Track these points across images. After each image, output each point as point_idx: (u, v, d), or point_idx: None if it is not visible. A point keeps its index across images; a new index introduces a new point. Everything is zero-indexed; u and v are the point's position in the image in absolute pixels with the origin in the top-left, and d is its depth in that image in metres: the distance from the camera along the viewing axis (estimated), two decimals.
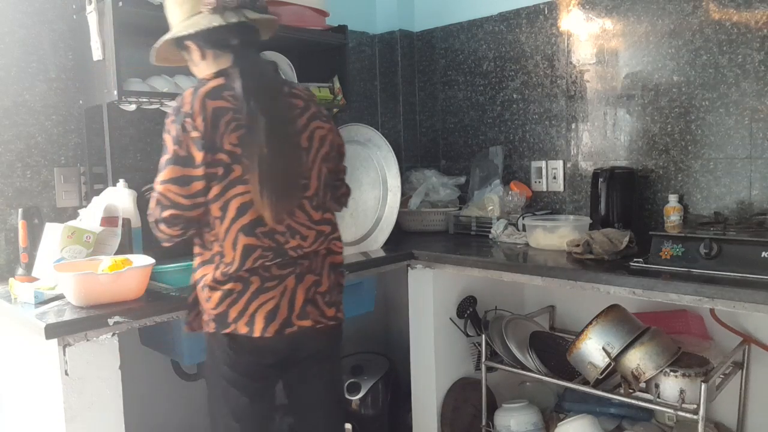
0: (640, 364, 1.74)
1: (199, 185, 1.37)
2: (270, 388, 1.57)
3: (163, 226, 1.41)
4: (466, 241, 2.40)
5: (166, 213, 1.38)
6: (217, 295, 1.41)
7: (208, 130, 1.35)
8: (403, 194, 2.38)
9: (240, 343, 1.44)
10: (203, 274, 1.44)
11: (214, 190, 1.38)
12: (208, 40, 1.47)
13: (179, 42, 1.51)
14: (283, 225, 1.43)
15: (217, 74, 1.44)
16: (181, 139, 1.36)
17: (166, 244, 1.46)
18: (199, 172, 1.36)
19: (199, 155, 1.35)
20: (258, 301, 1.41)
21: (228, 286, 1.40)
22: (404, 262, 2.18)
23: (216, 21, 1.42)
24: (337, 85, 2.37)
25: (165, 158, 1.38)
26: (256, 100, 1.39)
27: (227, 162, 1.37)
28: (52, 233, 1.69)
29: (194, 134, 1.35)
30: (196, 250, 1.48)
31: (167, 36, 1.51)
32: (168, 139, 1.38)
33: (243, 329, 1.41)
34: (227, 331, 1.42)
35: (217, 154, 1.36)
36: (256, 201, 1.38)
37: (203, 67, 1.50)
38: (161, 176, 1.38)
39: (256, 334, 1.40)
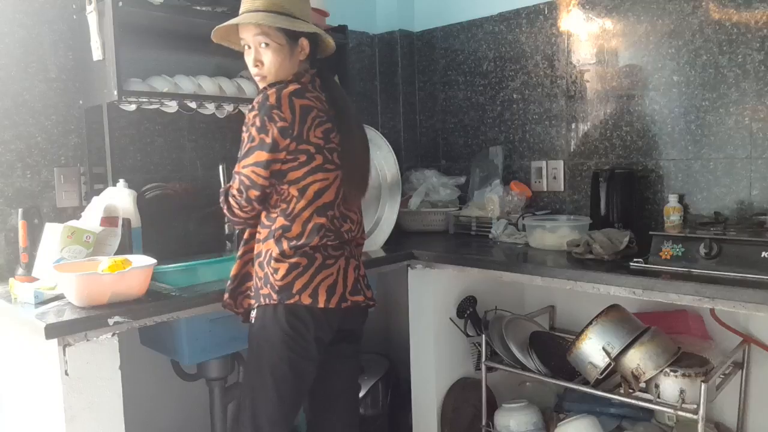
0: (640, 364, 1.74)
1: (277, 167, 1.51)
2: (314, 371, 1.61)
3: (245, 208, 1.56)
4: (466, 241, 2.40)
5: (252, 193, 1.52)
6: (284, 266, 1.52)
7: (296, 122, 1.50)
8: (403, 194, 2.38)
9: (299, 316, 1.53)
10: (266, 249, 1.55)
11: (295, 174, 1.52)
12: (316, 45, 1.66)
13: (296, 35, 1.58)
14: (341, 210, 1.61)
15: (295, 78, 1.57)
16: (268, 128, 1.49)
17: (239, 227, 1.67)
18: (281, 156, 1.50)
19: (283, 142, 1.49)
20: (321, 275, 1.54)
21: (295, 260, 1.52)
22: (404, 262, 2.18)
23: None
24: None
25: (250, 146, 1.51)
26: (342, 105, 1.62)
27: (312, 152, 1.53)
28: (52, 233, 1.69)
29: (281, 124, 1.49)
30: (259, 232, 1.60)
31: (304, 28, 1.59)
32: (253, 131, 1.51)
33: (307, 300, 1.52)
34: (291, 301, 1.52)
35: (301, 144, 1.51)
36: (336, 188, 1.58)
37: (290, 64, 1.59)
38: (248, 161, 1.51)
39: (320, 305, 1.53)
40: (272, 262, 1.53)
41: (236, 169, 1.55)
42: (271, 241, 1.54)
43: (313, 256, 1.54)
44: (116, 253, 1.74)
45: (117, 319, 1.44)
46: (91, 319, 1.42)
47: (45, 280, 1.63)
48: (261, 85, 1.60)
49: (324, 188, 1.56)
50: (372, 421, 2.43)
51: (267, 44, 1.56)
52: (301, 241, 1.53)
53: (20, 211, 1.82)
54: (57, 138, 1.97)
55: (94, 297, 1.48)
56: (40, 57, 1.93)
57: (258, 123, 1.51)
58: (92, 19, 1.81)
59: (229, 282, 1.63)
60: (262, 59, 1.57)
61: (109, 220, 1.78)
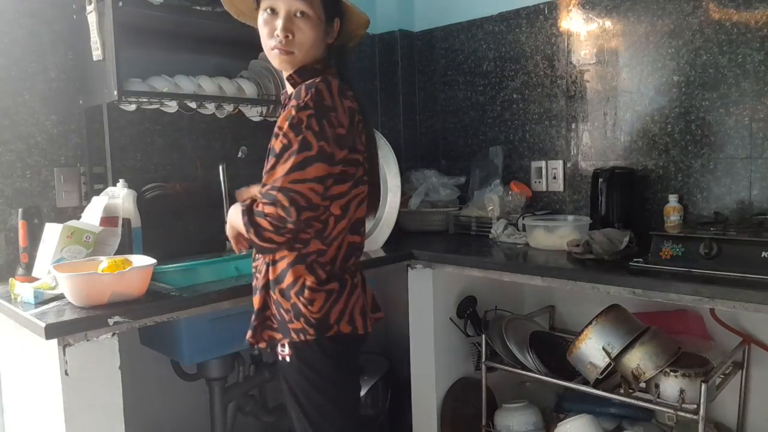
0: (640, 364, 1.74)
1: (330, 182, 1.31)
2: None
3: (288, 232, 1.27)
4: (466, 241, 2.40)
5: (304, 215, 1.27)
6: (321, 296, 1.35)
7: (349, 128, 1.31)
8: (403, 194, 2.37)
9: (342, 343, 1.39)
10: (295, 276, 1.34)
11: (340, 188, 1.34)
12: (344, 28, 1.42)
13: (333, 12, 1.36)
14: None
15: (322, 67, 1.37)
16: (328, 135, 1.27)
17: (267, 254, 1.39)
18: (337, 170, 1.31)
19: (340, 153, 1.30)
20: (353, 299, 1.40)
21: (329, 286, 1.36)
22: (404, 262, 2.18)
23: None
24: None
25: (306, 155, 1.25)
26: (363, 104, 1.42)
27: (360, 161, 1.37)
28: (52, 233, 1.69)
29: (339, 131, 1.29)
30: (278, 253, 1.37)
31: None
32: (309, 136, 1.26)
33: (346, 328, 1.37)
34: (330, 333, 1.35)
35: (354, 153, 1.34)
36: (366, 201, 1.42)
37: (319, 48, 1.36)
38: (304, 174, 1.25)
39: (360, 331, 1.40)
40: (306, 292, 1.34)
41: (279, 182, 1.26)
42: (302, 266, 1.34)
43: (344, 279, 1.39)
44: (116, 253, 1.74)
45: (117, 319, 1.44)
46: (91, 319, 1.42)
47: (45, 280, 1.63)
48: (282, 64, 1.35)
49: (360, 203, 1.40)
50: (372, 421, 2.43)
51: (304, 14, 1.31)
52: (336, 265, 1.37)
53: (20, 211, 1.82)
54: (57, 138, 1.97)
55: (94, 297, 1.47)
56: (40, 57, 1.93)
57: (315, 126, 1.26)
58: (92, 19, 1.81)
59: (253, 318, 1.44)
60: (294, 30, 1.31)
61: (109, 220, 1.78)
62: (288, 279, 1.36)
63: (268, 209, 1.26)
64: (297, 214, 1.25)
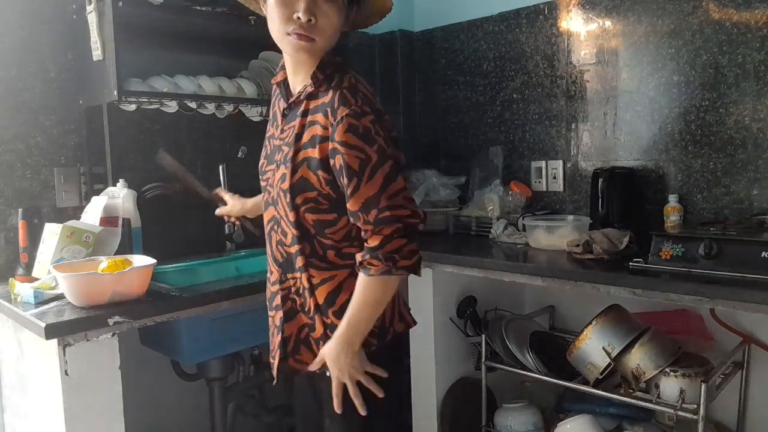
0: (640, 364, 1.74)
1: None
2: None
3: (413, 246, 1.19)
4: (466, 241, 2.40)
5: (421, 226, 1.21)
6: None
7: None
8: None
9: (398, 344, 1.37)
10: (351, 291, 1.22)
11: None
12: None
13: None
14: None
15: (335, 56, 1.25)
16: (392, 138, 1.18)
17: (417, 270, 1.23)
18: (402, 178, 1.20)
19: (401, 157, 1.21)
20: (396, 295, 1.31)
21: None
22: None
23: None
24: None
25: (389, 165, 1.15)
26: None
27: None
28: (52, 233, 1.69)
29: (394, 134, 1.20)
30: (324, 273, 1.25)
31: None
32: (382, 143, 1.16)
33: (400, 327, 1.32)
34: (389, 337, 1.29)
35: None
36: None
37: (337, 35, 1.22)
38: (396, 188, 1.16)
39: (411, 324, 1.36)
40: None
41: (382, 203, 1.14)
42: (353, 280, 1.22)
43: None
44: (116, 253, 1.74)
45: (117, 319, 1.44)
46: (91, 319, 1.42)
47: (45, 280, 1.63)
48: (299, 53, 1.20)
49: None
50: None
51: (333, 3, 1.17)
52: None
53: (20, 211, 1.82)
54: (57, 138, 1.97)
55: (94, 297, 1.48)
56: (40, 57, 1.93)
57: (381, 131, 1.16)
58: (92, 19, 1.81)
59: (288, 346, 1.30)
60: (317, 14, 1.15)
61: (109, 220, 1.78)
62: (344, 297, 1.25)
63: (389, 230, 1.16)
64: (416, 228, 1.20)
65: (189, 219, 2.24)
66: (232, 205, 1.71)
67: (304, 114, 1.23)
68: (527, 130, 2.56)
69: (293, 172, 1.21)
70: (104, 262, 1.54)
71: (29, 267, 1.77)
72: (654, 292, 1.62)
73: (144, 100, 1.95)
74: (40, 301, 1.53)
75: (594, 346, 1.81)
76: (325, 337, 1.27)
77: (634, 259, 1.78)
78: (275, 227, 1.30)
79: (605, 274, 1.72)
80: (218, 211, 1.74)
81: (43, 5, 1.92)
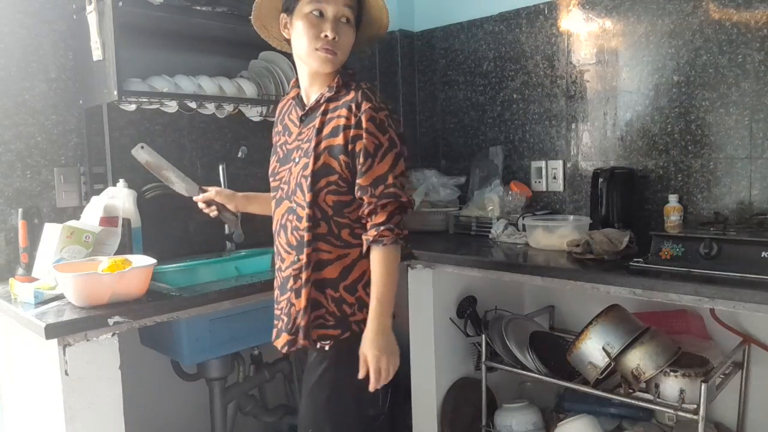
0: (640, 364, 1.74)
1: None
2: None
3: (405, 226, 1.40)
4: (466, 241, 2.40)
5: (410, 210, 1.42)
6: None
7: None
8: None
9: (392, 328, 1.45)
10: (364, 270, 1.42)
11: None
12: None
13: (358, 21, 1.45)
14: None
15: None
16: (400, 133, 1.40)
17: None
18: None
19: (405, 150, 1.41)
20: None
21: None
22: (404, 262, 2.18)
23: None
24: None
25: (396, 152, 1.38)
26: None
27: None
28: (52, 233, 1.69)
29: (401, 130, 1.42)
30: (339, 250, 1.42)
31: (385, 18, 1.49)
32: (392, 134, 1.38)
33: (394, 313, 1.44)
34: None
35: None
36: None
37: (347, 55, 1.44)
38: (399, 170, 1.38)
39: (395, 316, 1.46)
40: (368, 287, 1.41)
41: (389, 180, 1.36)
42: (366, 260, 1.41)
43: None
44: (116, 253, 1.74)
45: (117, 319, 1.44)
46: (91, 319, 1.42)
47: (45, 280, 1.63)
48: (326, 65, 1.41)
49: None
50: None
51: (348, 21, 1.41)
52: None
53: (20, 211, 1.82)
54: (57, 138, 1.97)
55: (94, 297, 1.48)
56: (40, 57, 1.93)
57: (393, 125, 1.39)
58: (92, 19, 1.81)
59: (299, 318, 1.42)
60: (339, 33, 1.39)
61: (108, 219, 1.78)
62: (355, 274, 1.42)
63: (392, 206, 1.36)
64: (409, 207, 1.40)
65: (189, 219, 2.24)
66: (216, 191, 1.69)
67: (324, 113, 1.42)
68: (527, 130, 2.56)
69: (316, 159, 1.39)
70: (104, 262, 1.54)
71: (29, 267, 1.77)
72: (654, 292, 1.62)
73: (144, 100, 1.95)
74: (40, 301, 1.53)
75: (594, 346, 1.81)
76: (336, 312, 1.41)
77: (634, 259, 1.78)
78: (289, 217, 1.45)
79: (605, 274, 1.72)
80: (198, 197, 1.69)
81: (43, 5, 1.92)
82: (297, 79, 1.54)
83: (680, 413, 1.69)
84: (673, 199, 2.08)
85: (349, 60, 1.47)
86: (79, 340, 1.40)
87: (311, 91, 1.49)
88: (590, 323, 1.84)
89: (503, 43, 2.60)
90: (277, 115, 1.62)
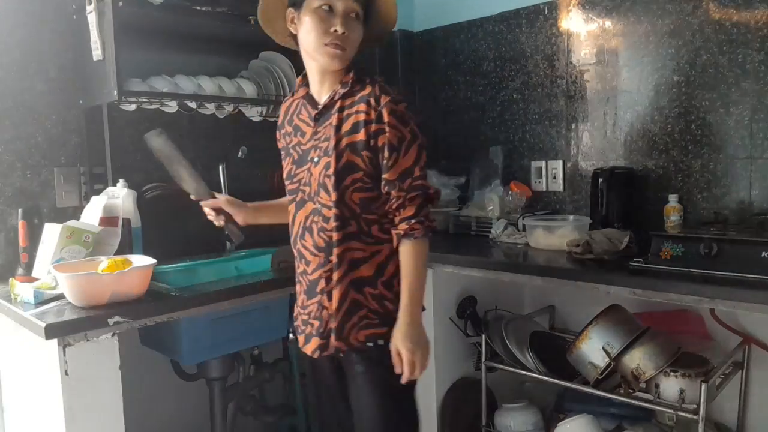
0: (640, 364, 1.74)
1: None
2: None
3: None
4: (466, 241, 2.40)
5: (436, 201, 1.43)
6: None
7: None
8: None
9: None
10: (397, 264, 1.39)
11: None
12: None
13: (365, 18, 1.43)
14: None
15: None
16: (417, 125, 1.41)
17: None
18: None
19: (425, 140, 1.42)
20: None
21: None
22: None
23: None
24: None
25: (419, 143, 1.39)
26: None
27: None
28: (51, 233, 1.69)
29: (417, 121, 1.42)
30: (372, 247, 1.40)
31: (393, 15, 1.48)
32: (413, 125, 1.39)
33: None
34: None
35: None
36: None
37: (355, 51, 1.43)
38: (423, 161, 1.38)
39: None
40: (395, 282, 1.41)
41: (416, 173, 1.36)
42: (397, 255, 1.39)
43: None
44: (116, 253, 1.74)
45: (117, 319, 1.44)
46: (91, 319, 1.42)
47: (45, 280, 1.63)
48: (335, 60, 1.38)
49: None
50: None
51: (357, 17, 1.38)
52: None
53: (20, 211, 1.82)
54: (57, 138, 1.97)
55: (94, 297, 1.48)
56: (40, 57, 1.93)
57: (412, 116, 1.39)
58: (92, 19, 1.81)
59: (332, 321, 1.39)
60: (348, 29, 1.36)
61: (108, 219, 1.78)
62: (390, 269, 1.41)
63: (420, 199, 1.36)
64: (437, 196, 1.40)
65: (189, 219, 2.22)
66: (226, 200, 1.61)
67: (341, 110, 1.39)
68: (527, 130, 2.56)
69: (338, 157, 1.36)
70: (104, 262, 1.54)
71: (29, 267, 1.77)
72: (654, 292, 1.62)
73: (144, 100, 1.95)
74: (40, 301, 1.53)
75: (594, 346, 1.81)
76: (380, 309, 1.39)
77: (634, 259, 1.78)
78: (315, 218, 1.41)
79: (605, 274, 1.72)
80: (206, 203, 1.60)
81: (43, 5, 1.92)
82: (303, 78, 1.50)
83: (680, 413, 1.69)
84: (673, 199, 2.08)
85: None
86: (79, 340, 1.40)
87: (322, 88, 1.45)
88: (590, 323, 1.84)
89: (503, 43, 2.60)
90: (282, 117, 1.57)
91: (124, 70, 1.82)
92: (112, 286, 1.49)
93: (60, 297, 1.54)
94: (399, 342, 1.36)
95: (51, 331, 1.35)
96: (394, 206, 1.37)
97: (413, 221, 1.35)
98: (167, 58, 2.16)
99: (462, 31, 2.75)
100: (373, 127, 1.35)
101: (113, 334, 1.46)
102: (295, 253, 1.49)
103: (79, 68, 1.97)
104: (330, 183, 1.37)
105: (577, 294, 2.24)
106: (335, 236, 1.37)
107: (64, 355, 1.39)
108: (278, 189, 2.52)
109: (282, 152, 1.55)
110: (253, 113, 2.32)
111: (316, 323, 1.43)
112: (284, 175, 1.52)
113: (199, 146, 2.30)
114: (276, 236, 2.48)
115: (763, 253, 1.58)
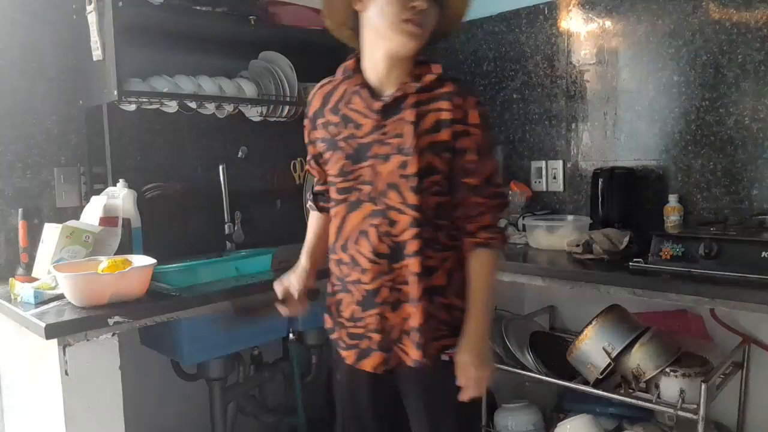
0: (640, 364, 1.74)
1: None
2: None
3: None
4: None
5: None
6: None
7: None
8: None
9: None
10: (461, 275, 1.31)
11: None
12: None
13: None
14: None
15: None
16: None
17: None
18: None
19: None
20: None
21: None
22: None
23: None
24: None
25: (495, 149, 1.37)
26: None
27: None
28: (51, 233, 1.69)
29: None
30: (442, 254, 1.29)
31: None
32: (489, 128, 1.31)
33: None
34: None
35: None
36: None
37: (425, 40, 1.27)
38: (498, 168, 1.35)
39: None
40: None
41: (499, 179, 1.32)
42: (463, 261, 1.31)
43: None
44: (116, 253, 1.74)
45: (117, 319, 1.44)
46: (91, 319, 1.42)
47: (45, 280, 1.63)
48: (412, 41, 1.23)
49: None
50: None
51: (434, 2, 1.24)
52: None
53: (20, 211, 1.83)
54: (57, 138, 1.97)
55: (94, 297, 1.48)
56: (40, 57, 1.93)
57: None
58: (92, 19, 1.81)
59: (403, 334, 1.29)
60: (428, 6, 1.22)
61: (108, 220, 1.78)
62: (458, 278, 1.31)
63: (499, 207, 1.32)
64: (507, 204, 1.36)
65: (189, 219, 2.24)
66: (298, 281, 1.42)
67: (416, 105, 1.26)
68: (527, 130, 2.56)
69: (419, 157, 1.24)
70: (104, 262, 1.54)
71: (29, 267, 1.77)
72: (654, 292, 1.62)
73: (144, 100, 1.95)
74: (40, 301, 1.53)
75: (594, 346, 1.81)
76: (450, 320, 1.30)
77: (634, 259, 1.78)
78: (376, 221, 1.27)
79: (605, 274, 1.72)
80: (281, 293, 1.42)
81: (43, 5, 1.92)
82: (356, 62, 1.33)
83: (680, 413, 1.69)
84: (673, 199, 2.08)
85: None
86: (79, 340, 1.40)
87: (389, 78, 1.28)
88: (590, 323, 1.84)
89: (503, 43, 2.60)
90: (318, 104, 1.36)
91: (124, 70, 1.82)
92: (112, 286, 1.49)
93: (60, 297, 1.54)
94: (467, 356, 1.27)
95: (51, 331, 1.35)
96: (473, 213, 1.28)
97: (495, 231, 1.29)
98: (167, 58, 2.16)
99: (462, 31, 2.75)
100: (459, 127, 1.25)
101: (113, 334, 1.46)
102: (345, 259, 1.32)
103: (79, 68, 1.97)
104: (406, 184, 1.24)
105: (577, 294, 2.23)
106: (411, 243, 1.25)
107: (64, 355, 1.39)
108: (278, 189, 2.55)
109: (320, 144, 1.35)
110: (253, 113, 2.32)
111: (376, 336, 1.30)
112: (336, 171, 1.31)
113: (199, 146, 2.30)
114: (276, 236, 2.50)
115: (763, 253, 1.58)
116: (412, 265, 1.26)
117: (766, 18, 1.92)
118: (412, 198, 1.24)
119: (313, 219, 1.50)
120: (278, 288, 1.42)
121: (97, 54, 1.82)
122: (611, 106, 2.30)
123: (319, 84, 1.40)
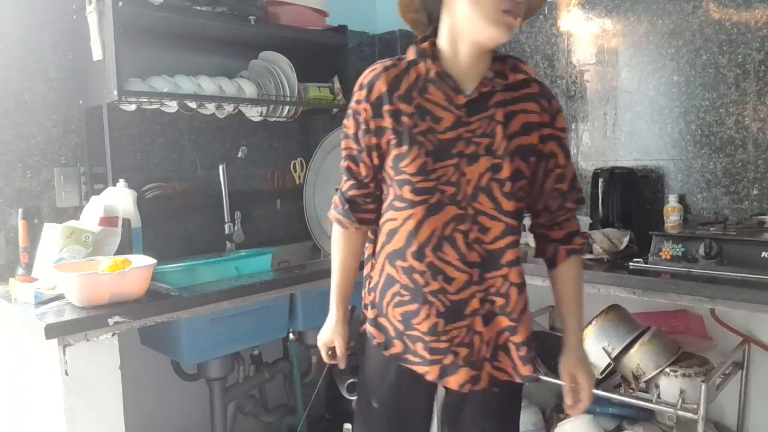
0: (640, 364, 1.74)
1: None
2: None
3: None
4: None
5: None
6: None
7: None
8: None
9: None
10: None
11: None
12: None
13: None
14: None
15: None
16: None
17: None
18: None
19: None
20: None
21: None
22: None
23: None
24: (337, 85, 2.37)
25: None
26: None
27: None
28: (51, 233, 1.69)
29: None
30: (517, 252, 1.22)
31: None
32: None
33: None
34: None
35: None
36: None
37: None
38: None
39: None
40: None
41: (578, 185, 1.29)
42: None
43: None
44: (116, 253, 1.74)
45: (117, 319, 1.44)
46: (91, 319, 1.42)
47: (45, 280, 1.63)
48: (509, 32, 1.14)
49: None
50: None
51: None
52: None
53: (20, 211, 1.82)
54: (57, 138, 1.97)
55: (94, 297, 1.48)
56: (40, 57, 1.93)
57: None
58: (92, 19, 1.81)
59: (525, 350, 1.24)
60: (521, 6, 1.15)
61: (108, 220, 1.78)
62: (528, 290, 1.28)
63: (574, 213, 1.29)
64: None
65: (189, 219, 2.24)
66: (341, 340, 1.34)
67: (503, 104, 1.18)
68: None
69: (512, 160, 1.16)
70: (104, 262, 1.54)
71: (29, 267, 1.77)
72: (654, 292, 1.62)
73: (144, 100, 1.95)
74: (40, 301, 1.53)
75: (594, 346, 1.81)
76: (532, 339, 1.25)
77: (634, 259, 1.78)
78: (462, 227, 1.17)
79: (605, 274, 1.72)
80: (329, 357, 1.37)
81: (43, 5, 1.92)
82: (433, 47, 1.21)
83: (680, 413, 1.69)
84: (673, 199, 2.08)
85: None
86: (79, 340, 1.40)
87: (472, 71, 1.19)
88: (590, 323, 1.84)
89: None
90: (383, 88, 1.18)
91: (124, 70, 1.82)
92: (112, 286, 1.49)
93: (60, 297, 1.54)
94: (578, 367, 1.24)
95: (51, 331, 1.35)
96: (560, 219, 1.25)
97: (583, 236, 1.27)
98: (167, 58, 2.16)
99: None
100: (546, 131, 1.20)
101: (113, 334, 1.46)
102: (419, 267, 1.17)
103: (79, 68, 1.97)
104: (500, 189, 1.15)
105: None
106: (509, 252, 1.17)
107: (64, 355, 1.39)
108: (278, 189, 2.55)
109: (388, 134, 1.17)
110: (253, 113, 2.32)
111: (464, 351, 1.19)
112: (416, 168, 1.15)
113: (199, 146, 2.30)
114: (276, 236, 2.50)
115: (763, 253, 1.58)
116: (512, 275, 1.19)
117: (766, 18, 1.92)
118: (507, 204, 1.16)
119: (345, 240, 1.30)
120: (324, 351, 1.36)
121: (97, 54, 1.82)
122: (611, 106, 2.30)
123: (380, 65, 1.22)
